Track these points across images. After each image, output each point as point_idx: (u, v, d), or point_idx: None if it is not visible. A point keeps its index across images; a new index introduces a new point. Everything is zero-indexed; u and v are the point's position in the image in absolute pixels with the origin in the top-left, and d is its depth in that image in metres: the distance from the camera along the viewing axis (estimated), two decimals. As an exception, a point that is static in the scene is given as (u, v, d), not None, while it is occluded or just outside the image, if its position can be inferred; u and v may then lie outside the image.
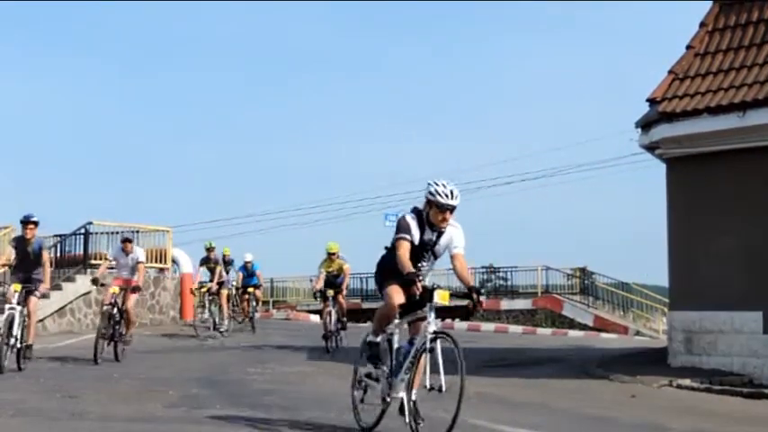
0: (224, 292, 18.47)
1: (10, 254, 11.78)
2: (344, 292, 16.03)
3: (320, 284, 15.60)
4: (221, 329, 17.98)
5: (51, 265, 14.92)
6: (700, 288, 11.96)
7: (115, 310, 12.77)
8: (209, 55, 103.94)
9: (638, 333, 26.78)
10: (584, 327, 27.48)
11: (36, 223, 11.66)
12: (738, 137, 11.59)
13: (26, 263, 11.60)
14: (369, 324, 29.81)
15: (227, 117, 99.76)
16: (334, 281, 15.60)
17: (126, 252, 13.44)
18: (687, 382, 10.76)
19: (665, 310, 21.10)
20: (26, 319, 11.34)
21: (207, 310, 18.37)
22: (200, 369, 11.99)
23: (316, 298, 18.16)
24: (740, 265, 11.65)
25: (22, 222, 11.79)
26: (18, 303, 11.16)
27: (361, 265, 32.74)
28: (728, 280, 11.67)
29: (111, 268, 14.09)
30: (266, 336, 18.43)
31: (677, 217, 12.36)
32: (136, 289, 13.22)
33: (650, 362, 12.72)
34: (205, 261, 18.82)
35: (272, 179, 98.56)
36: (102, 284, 13.67)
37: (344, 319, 15.82)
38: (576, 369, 12.68)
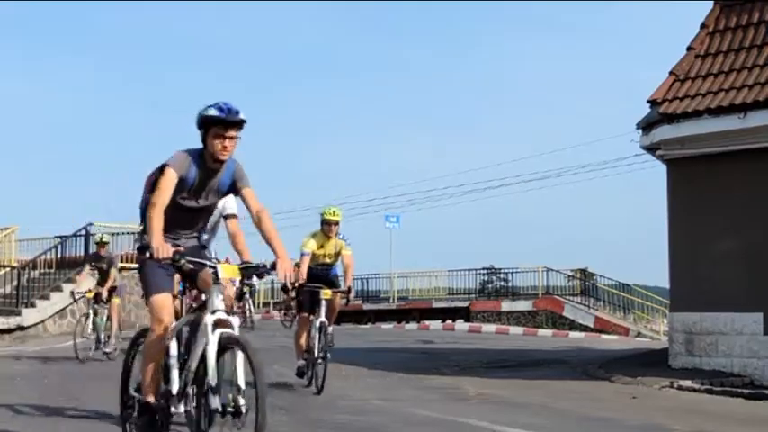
0: (115, 300, 14.21)
1: (166, 184, 5.10)
2: (352, 294, 10.11)
3: (304, 275, 9.39)
4: (107, 349, 13.61)
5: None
6: (700, 289, 11.96)
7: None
8: (213, 55, 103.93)
9: (638, 334, 26.83)
10: (584, 328, 27.51)
11: (242, 124, 5.13)
12: (739, 138, 11.59)
13: (193, 214, 5.46)
14: (370, 326, 29.61)
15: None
16: (326, 274, 9.70)
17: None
18: (688, 383, 10.75)
19: (666, 311, 21.12)
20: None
21: (90, 323, 13.74)
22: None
23: (293, 295, 10.98)
24: (741, 266, 11.66)
25: (212, 121, 5.08)
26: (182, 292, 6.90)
27: (364, 265, 32.76)
28: (729, 281, 11.68)
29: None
30: (267, 337, 18.41)
31: (678, 218, 12.36)
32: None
33: (651, 363, 12.71)
34: (94, 259, 14.60)
35: (275, 178, 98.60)
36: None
37: (331, 331, 9.72)
38: (577, 370, 12.68)
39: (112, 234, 20.39)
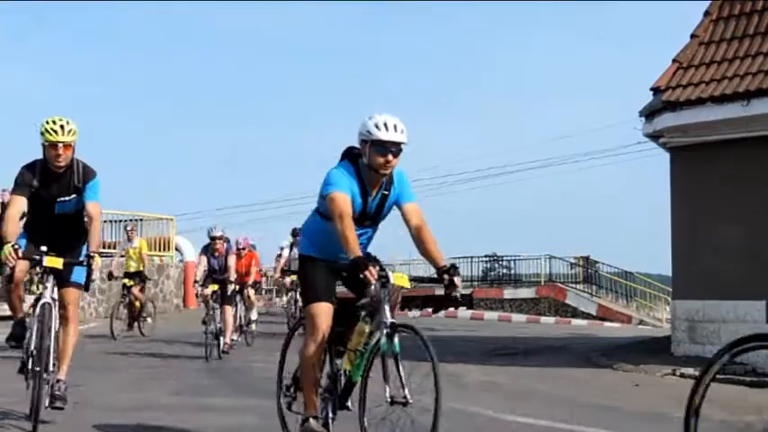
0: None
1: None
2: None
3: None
4: None
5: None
6: (703, 277, 11.96)
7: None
8: (216, 45, 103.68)
9: (641, 322, 26.83)
10: (587, 316, 27.52)
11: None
12: (742, 126, 11.56)
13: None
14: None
15: (232, 109, 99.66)
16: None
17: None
18: (690, 371, 10.75)
19: (669, 299, 21.12)
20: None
21: None
22: (202, 358, 12.01)
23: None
24: (743, 254, 11.64)
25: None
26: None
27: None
28: (732, 269, 11.65)
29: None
30: (269, 326, 18.45)
31: (681, 206, 12.34)
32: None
33: (653, 351, 12.73)
34: None
35: (273, 171, 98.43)
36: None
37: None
38: (580, 358, 12.70)
39: (114, 221, 20.37)
